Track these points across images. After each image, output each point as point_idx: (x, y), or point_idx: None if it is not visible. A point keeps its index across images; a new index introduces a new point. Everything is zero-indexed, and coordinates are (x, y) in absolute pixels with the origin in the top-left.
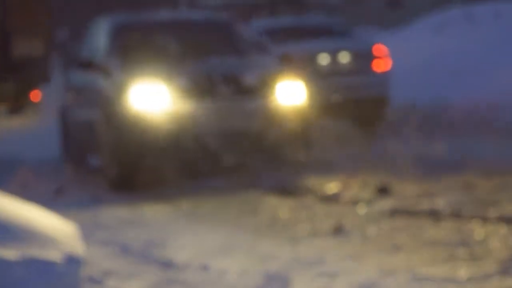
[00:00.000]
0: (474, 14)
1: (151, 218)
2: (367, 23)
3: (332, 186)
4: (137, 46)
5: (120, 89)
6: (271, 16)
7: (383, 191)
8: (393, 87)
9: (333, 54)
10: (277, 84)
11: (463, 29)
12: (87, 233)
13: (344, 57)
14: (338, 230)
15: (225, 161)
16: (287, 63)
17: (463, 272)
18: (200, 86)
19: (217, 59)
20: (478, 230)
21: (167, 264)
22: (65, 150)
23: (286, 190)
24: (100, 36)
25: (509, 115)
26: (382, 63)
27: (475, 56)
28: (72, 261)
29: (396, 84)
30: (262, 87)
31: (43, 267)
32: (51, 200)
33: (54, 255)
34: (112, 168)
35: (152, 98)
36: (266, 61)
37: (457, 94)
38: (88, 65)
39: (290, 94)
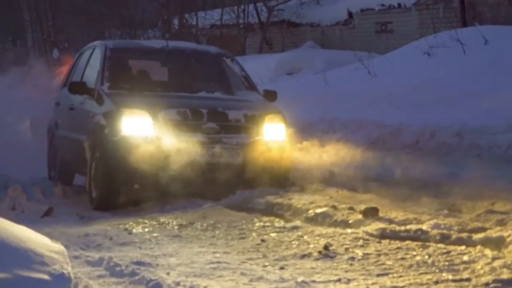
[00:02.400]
0: (463, 40)
1: (140, 239)
2: (357, 48)
3: (319, 209)
4: (129, 74)
5: (109, 117)
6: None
7: (370, 214)
8: (382, 110)
9: None
10: (261, 121)
11: (452, 54)
12: (76, 253)
13: None
14: (325, 253)
15: (210, 187)
16: (271, 98)
17: None
18: (187, 120)
19: (205, 92)
20: (464, 254)
21: (156, 285)
22: (52, 168)
23: (274, 212)
24: (92, 60)
25: (498, 140)
26: None
27: (464, 81)
28: (61, 281)
29: (385, 107)
30: (247, 124)
31: (32, 286)
32: (40, 220)
33: (42, 274)
34: (95, 189)
35: (139, 129)
36: (252, 97)
37: (446, 118)
38: (79, 88)
39: (272, 130)
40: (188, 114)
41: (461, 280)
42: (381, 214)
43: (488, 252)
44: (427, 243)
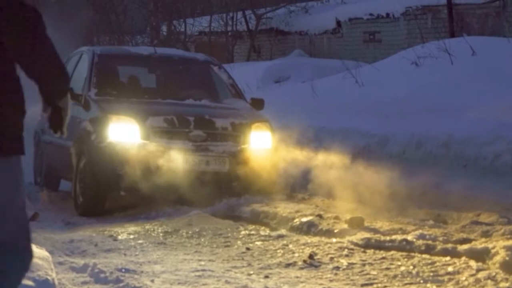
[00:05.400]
0: (451, 50)
1: (125, 245)
2: (345, 57)
3: (305, 217)
4: (116, 81)
5: (95, 123)
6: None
7: (356, 223)
8: (369, 120)
9: None
10: (248, 129)
11: (440, 64)
12: (60, 259)
13: None
14: (310, 262)
15: (196, 194)
16: (258, 107)
17: None
18: (173, 127)
19: (193, 100)
20: (449, 265)
21: None
22: (38, 174)
23: (259, 220)
24: (80, 66)
25: (484, 151)
26: None
27: (451, 92)
28: (45, 287)
29: (372, 117)
30: (234, 132)
31: None
32: None
33: (27, 280)
34: (81, 194)
35: (126, 136)
36: (239, 105)
37: (433, 128)
38: None
39: (259, 138)
40: (175, 122)
41: None
42: (366, 224)
43: (472, 263)
44: (412, 254)
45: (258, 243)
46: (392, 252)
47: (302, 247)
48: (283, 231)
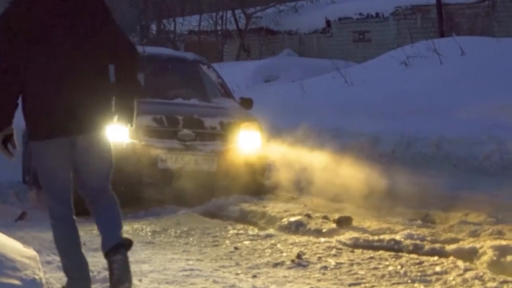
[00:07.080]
0: (440, 50)
1: None
2: (334, 56)
3: (293, 217)
4: None
5: None
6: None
7: (344, 223)
8: (358, 119)
9: None
10: (237, 129)
11: (429, 64)
12: (48, 258)
13: None
14: (298, 261)
15: (184, 194)
16: (247, 106)
17: None
18: (162, 126)
19: (181, 99)
20: (436, 265)
21: None
22: (26, 172)
23: (248, 220)
24: None
25: (474, 151)
26: None
27: (440, 92)
28: (32, 287)
29: (362, 116)
30: (222, 131)
31: None
32: (13, 224)
33: (14, 280)
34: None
35: (114, 135)
36: (228, 104)
37: (423, 128)
38: None
39: (248, 137)
40: (164, 121)
41: None
42: (354, 224)
43: (460, 263)
44: (400, 253)
45: (246, 242)
46: (380, 251)
47: (290, 246)
48: (271, 231)
